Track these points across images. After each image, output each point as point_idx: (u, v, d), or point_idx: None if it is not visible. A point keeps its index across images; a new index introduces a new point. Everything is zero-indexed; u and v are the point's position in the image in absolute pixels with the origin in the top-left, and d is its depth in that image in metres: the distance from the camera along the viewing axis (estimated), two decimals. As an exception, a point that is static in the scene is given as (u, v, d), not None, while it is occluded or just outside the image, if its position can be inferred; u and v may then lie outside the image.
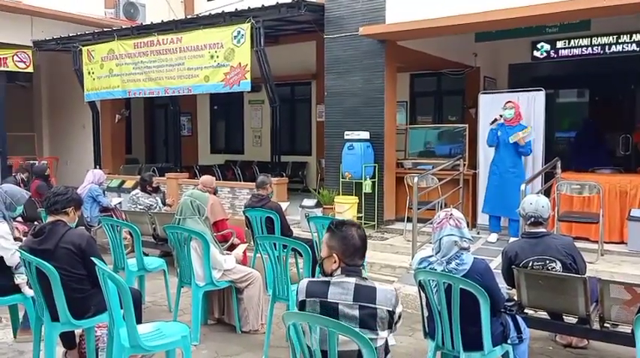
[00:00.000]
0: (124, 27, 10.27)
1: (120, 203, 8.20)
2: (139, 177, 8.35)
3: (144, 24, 10.37)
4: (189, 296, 4.77)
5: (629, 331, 3.19)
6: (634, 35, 8.44)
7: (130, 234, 5.38)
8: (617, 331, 3.48)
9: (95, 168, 10.22)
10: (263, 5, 8.19)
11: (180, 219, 4.62)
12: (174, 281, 4.97)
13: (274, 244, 4.34)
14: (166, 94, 9.62)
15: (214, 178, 6.77)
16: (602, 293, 3.37)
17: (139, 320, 3.53)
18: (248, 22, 8.24)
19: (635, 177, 6.84)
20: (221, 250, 4.76)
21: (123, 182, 10.24)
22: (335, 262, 2.46)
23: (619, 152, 9.59)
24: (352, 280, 2.40)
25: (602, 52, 8.71)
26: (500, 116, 6.73)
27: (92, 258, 3.39)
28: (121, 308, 3.18)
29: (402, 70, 9.68)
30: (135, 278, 5.30)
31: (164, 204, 7.57)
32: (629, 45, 8.52)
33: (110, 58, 10.23)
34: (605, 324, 3.47)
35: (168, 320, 4.58)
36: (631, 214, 6.23)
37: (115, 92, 10.31)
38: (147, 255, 6.01)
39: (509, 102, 6.79)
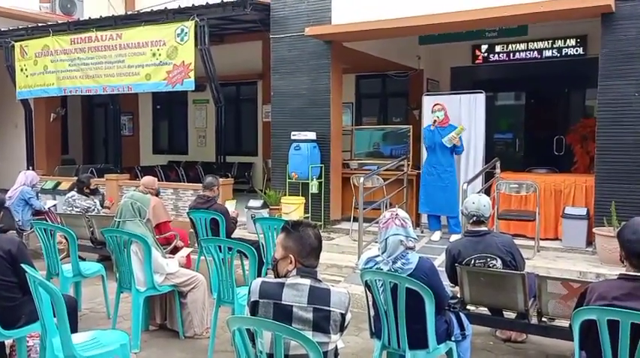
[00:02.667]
0: (60, 22, 9.83)
1: (55, 205, 7.83)
2: (75, 178, 8.00)
3: (81, 19, 9.96)
4: (129, 302, 4.60)
5: (567, 325, 3.31)
6: (568, 40, 8.87)
7: (66, 238, 5.13)
8: (554, 325, 3.61)
9: (28, 169, 9.72)
10: (207, 3, 8.03)
11: (119, 221, 4.45)
12: (114, 286, 4.77)
13: (219, 246, 4.24)
14: (105, 93, 9.28)
15: (156, 179, 6.57)
16: (539, 288, 3.49)
17: (74, 329, 3.35)
18: (192, 19, 8.06)
19: (569, 177, 7.16)
20: (163, 253, 4.61)
21: (58, 183, 9.78)
22: (291, 263, 2.42)
23: (553, 153, 10.02)
24: (307, 282, 2.37)
25: (538, 56, 9.11)
26: (435, 120, 6.87)
27: (22, 265, 3.20)
28: (55, 316, 3.01)
29: (348, 72, 9.75)
30: (70, 285, 5.05)
31: (102, 206, 7.28)
32: (564, 50, 8.94)
33: (45, 54, 9.76)
34: (543, 319, 3.60)
35: (107, 327, 4.40)
36: (565, 212, 6.51)
37: (49, 90, 9.84)
38: (84, 259, 5.77)
39: (437, 104, 6.95)
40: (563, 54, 8.92)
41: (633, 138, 6.07)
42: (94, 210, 6.81)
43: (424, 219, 7.58)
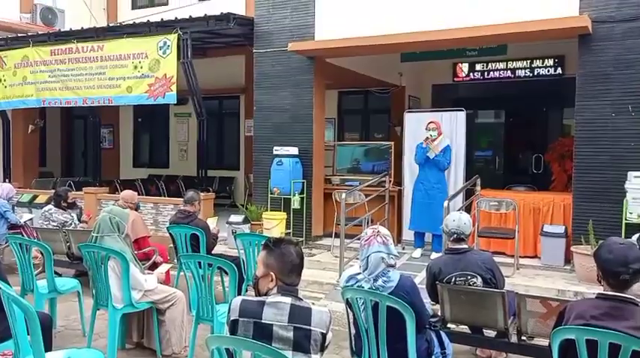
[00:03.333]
0: (40, 32, 9.72)
1: (31, 219, 7.66)
2: (53, 191, 7.86)
3: (62, 30, 9.87)
4: (105, 320, 4.50)
5: (546, 344, 3.32)
6: (546, 60, 9.05)
7: (42, 253, 5.01)
8: (533, 344, 3.62)
9: (4, 181, 9.53)
10: (191, 16, 8.03)
11: (97, 236, 4.37)
12: (90, 303, 4.67)
13: (199, 262, 4.19)
14: (85, 105, 9.17)
15: (136, 193, 6.48)
16: (519, 307, 3.50)
17: (48, 348, 3.26)
18: (175, 32, 8.04)
19: (547, 195, 7.26)
20: (142, 269, 4.53)
21: (35, 197, 9.59)
22: (272, 280, 2.39)
23: (532, 171, 10.16)
24: (288, 300, 2.35)
25: (517, 75, 9.26)
26: (427, 138, 6.93)
27: (-5, 281, 3.12)
28: (28, 334, 2.93)
29: (331, 87, 9.80)
30: (45, 301, 4.93)
31: (80, 220, 7.15)
32: (542, 69, 9.12)
33: (24, 64, 9.63)
34: (523, 337, 3.61)
35: (82, 346, 4.29)
36: (543, 230, 6.59)
37: (28, 101, 9.70)
38: (60, 275, 5.65)
39: (431, 122, 7.02)
40: (542, 73, 9.10)
41: (610, 157, 6.18)
42: (71, 224, 6.68)
43: (405, 235, 7.61)
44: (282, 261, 2.40)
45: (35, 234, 6.36)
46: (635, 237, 3.25)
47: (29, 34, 9.76)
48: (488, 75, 9.49)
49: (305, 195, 7.81)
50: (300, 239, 7.78)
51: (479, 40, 7.09)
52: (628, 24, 6.07)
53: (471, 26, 6.63)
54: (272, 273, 2.40)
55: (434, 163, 6.90)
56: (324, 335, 2.33)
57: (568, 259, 6.39)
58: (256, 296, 2.46)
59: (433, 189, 6.90)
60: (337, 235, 6.82)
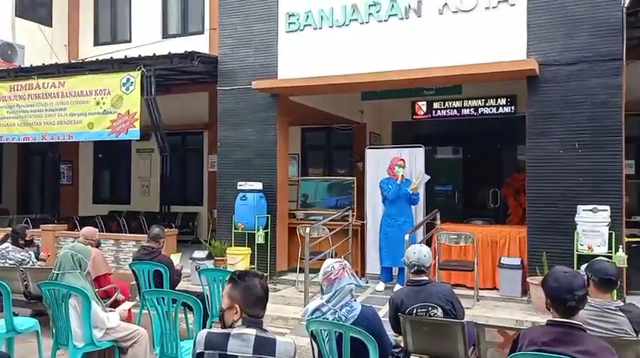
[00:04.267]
0: (-1, 68, 9.63)
1: (-15, 258, 7.41)
2: (8, 229, 7.65)
3: (22, 66, 9.78)
4: (65, 360, 4.39)
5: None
6: (499, 99, 9.48)
7: (-2, 292, 4.87)
8: (492, 372, 3.73)
9: (-43, 219, 9.21)
10: (155, 54, 8.13)
11: (58, 274, 4.30)
12: (49, 343, 4.55)
13: (162, 298, 4.16)
14: (44, 141, 9.07)
15: (97, 230, 6.40)
16: (478, 336, 3.62)
17: (5, 389, 3.18)
18: (138, 69, 8.10)
19: (504, 228, 7.54)
20: (103, 307, 4.46)
21: (-10, 234, 9.29)
22: (236, 313, 2.42)
23: (489, 205, 10.50)
24: (253, 332, 2.38)
25: (473, 113, 9.66)
26: (402, 175, 7.15)
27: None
28: (-14, 376, 2.86)
29: (294, 124, 9.98)
30: (3, 341, 4.77)
31: (38, 258, 6.97)
32: (496, 108, 9.55)
33: (-19, 100, 9.48)
34: (482, 366, 3.71)
35: (40, 387, 4.17)
36: (501, 262, 6.81)
37: (-16, 137, 9.51)
38: (17, 314, 5.48)
39: (401, 159, 7.28)
40: (495, 112, 9.52)
41: (560, 191, 6.50)
42: (28, 262, 6.51)
43: (369, 269, 7.70)
44: (247, 294, 2.43)
45: (-10, 273, 6.16)
46: (582, 268, 3.43)
47: (-13, 70, 9.64)
48: (445, 113, 9.85)
49: (269, 229, 7.85)
50: (265, 274, 7.73)
51: (434, 80, 7.44)
52: (571, 67, 6.49)
53: (427, 67, 6.96)
54: (236, 305, 2.43)
55: (405, 199, 7.08)
56: None
57: (525, 290, 6.60)
58: (222, 328, 2.49)
59: (406, 224, 7.06)
60: (302, 270, 6.86)
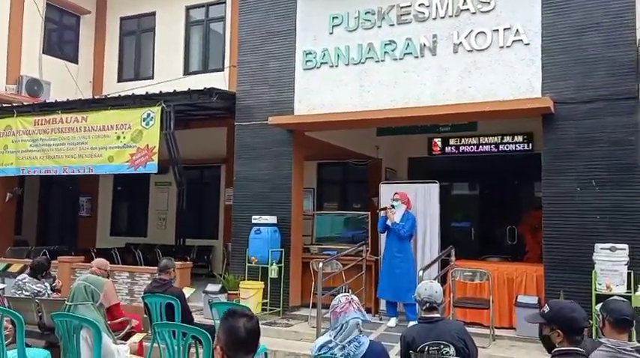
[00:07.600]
0: (25, 103, 9.92)
1: (3, 289, 7.49)
2: (27, 260, 7.75)
3: (47, 101, 10.08)
4: (75, 392, 4.37)
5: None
6: (516, 137, 9.48)
7: (13, 322, 4.91)
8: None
9: (-22, 249, 9.37)
10: (175, 90, 8.34)
11: (71, 305, 4.33)
12: (60, 375, 4.54)
13: (173, 332, 4.16)
14: (65, 173, 9.27)
15: (108, 261, 6.45)
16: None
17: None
18: (159, 105, 8.31)
19: (520, 266, 7.41)
20: (114, 339, 4.46)
21: (8, 265, 9.41)
22: (219, 354, 2.25)
23: (506, 242, 10.35)
24: None
25: (489, 150, 9.65)
26: (392, 206, 7.12)
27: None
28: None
29: (310, 159, 10.06)
30: (13, 373, 4.78)
31: (53, 289, 7.02)
32: (512, 145, 9.53)
33: (6, 134, 9.78)
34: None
35: (49, 419, 4.15)
36: (518, 300, 6.66)
37: (7, 169, 9.77)
38: (30, 346, 5.50)
39: (396, 193, 7.25)
40: (512, 149, 9.50)
41: (577, 229, 6.41)
42: (44, 294, 6.56)
43: (382, 305, 7.60)
44: (228, 336, 2.24)
45: (6, 303, 6.22)
46: (597, 307, 3.37)
47: (14, 104, 9.94)
48: (461, 149, 9.87)
49: (283, 264, 7.83)
50: (278, 309, 7.72)
51: (448, 117, 7.50)
52: (587, 105, 6.49)
53: (441, 104, 7.03)
54: (219, 346, 2.25)
55: (394, 232, 7.05)
56: None
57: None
58: None
59: (395, 258, 7.01)
60: (314, 305, 6.80)
